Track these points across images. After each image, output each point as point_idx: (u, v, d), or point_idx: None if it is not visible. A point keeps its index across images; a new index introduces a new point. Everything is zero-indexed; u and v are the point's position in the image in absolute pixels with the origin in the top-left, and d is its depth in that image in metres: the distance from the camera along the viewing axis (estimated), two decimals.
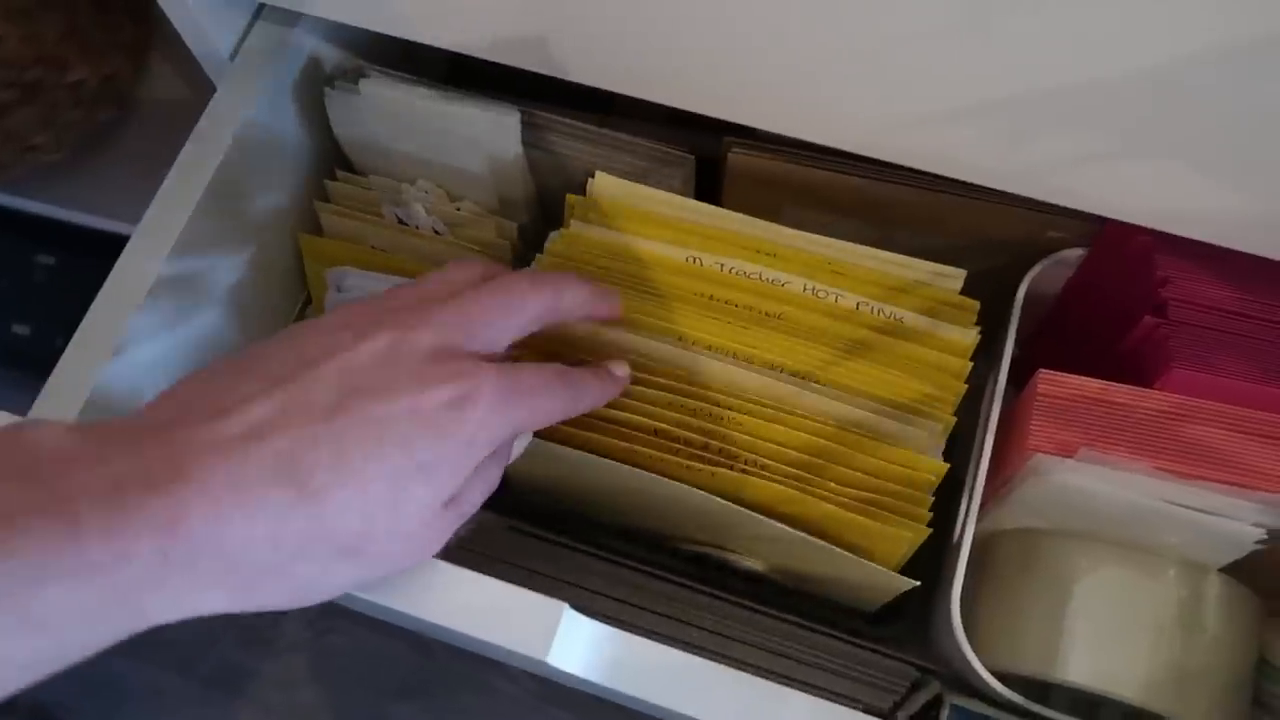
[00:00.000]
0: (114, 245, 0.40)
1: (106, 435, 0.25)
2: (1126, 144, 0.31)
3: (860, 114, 0.34)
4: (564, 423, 0.33)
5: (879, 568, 0.36)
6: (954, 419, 0.37)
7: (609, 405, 0.35)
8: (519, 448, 0.34)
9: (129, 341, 0.39)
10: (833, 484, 0.35)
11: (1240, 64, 0.27)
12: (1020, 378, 0.40)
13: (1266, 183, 0.31)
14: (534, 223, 0.48)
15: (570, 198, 0.41)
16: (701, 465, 0.35)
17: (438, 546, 0.30)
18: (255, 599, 0.26)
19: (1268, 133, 0.29)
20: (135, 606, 0.24)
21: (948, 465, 0.36)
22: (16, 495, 0.23)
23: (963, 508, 0.41)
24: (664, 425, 0.36)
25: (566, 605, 0.31)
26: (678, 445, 0.36)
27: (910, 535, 0.35)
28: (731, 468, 0.36)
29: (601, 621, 0.33)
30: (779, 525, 0.35)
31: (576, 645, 0.32)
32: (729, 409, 0.36)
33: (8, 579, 0.22)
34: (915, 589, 0.38)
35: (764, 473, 0.36)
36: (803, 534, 0.35)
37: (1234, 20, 0.26)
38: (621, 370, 0.36)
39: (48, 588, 0.23)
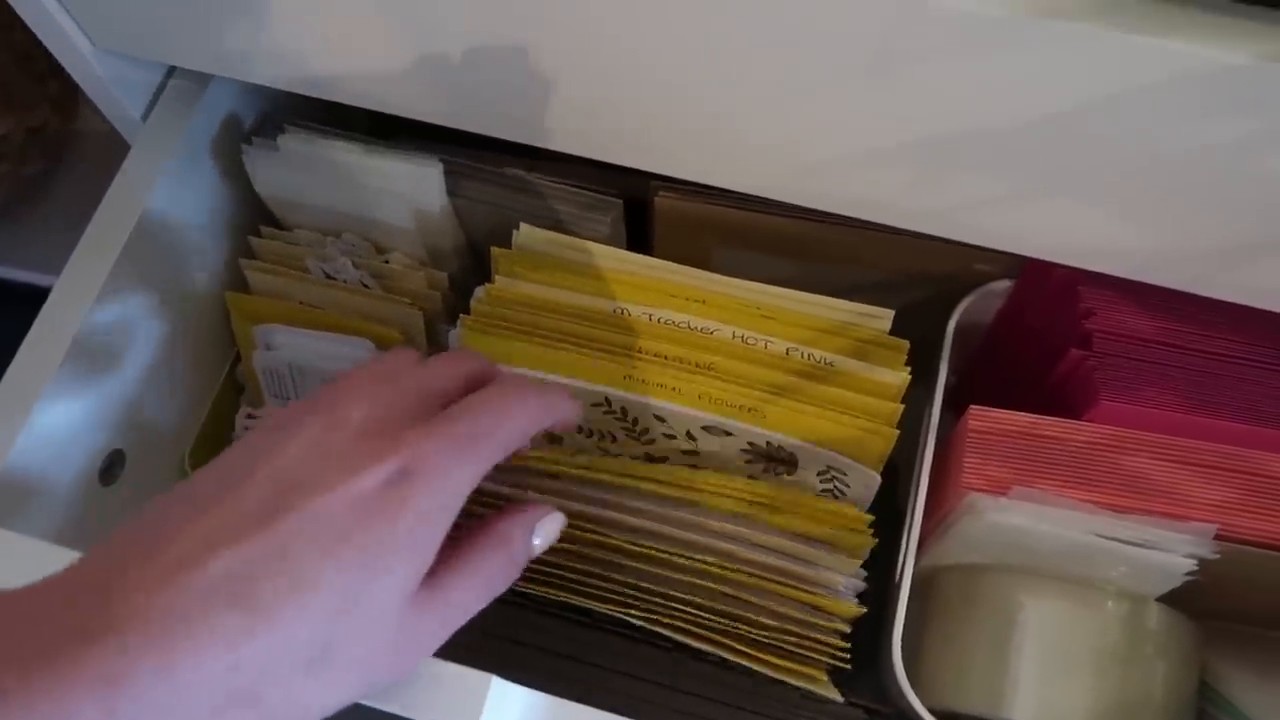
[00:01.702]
0: None
1: (34, 596, 0.24)
2: (1037, 186, 0.31)
3: (775, 161, 0.34)
4: None
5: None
6: (878, 476, 0.37)
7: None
8: (543, 542, 0.30)
9: (46, 410, 0.38)
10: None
11: (1138, 109, 0.27)
12: (959, 405, 0.40)
13: (1171, 221, 0.31)
14: (464, 271, 0.48)
15: (495, 251, 0.41)
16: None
17: (428, 646, 0.27)
18: None
19: (1167, 174, 0.29)
20: None
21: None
22: None
23: (903, 546, 0.40)
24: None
25: (493, 677, 0.30)
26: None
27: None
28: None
29: (538, 684, 0.32)
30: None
31: (507, 716, 0.31)
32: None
33: None
34: (864, 628, 0.38)
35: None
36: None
37: (1129, 70, 0.26)
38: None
39: None
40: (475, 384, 0.30)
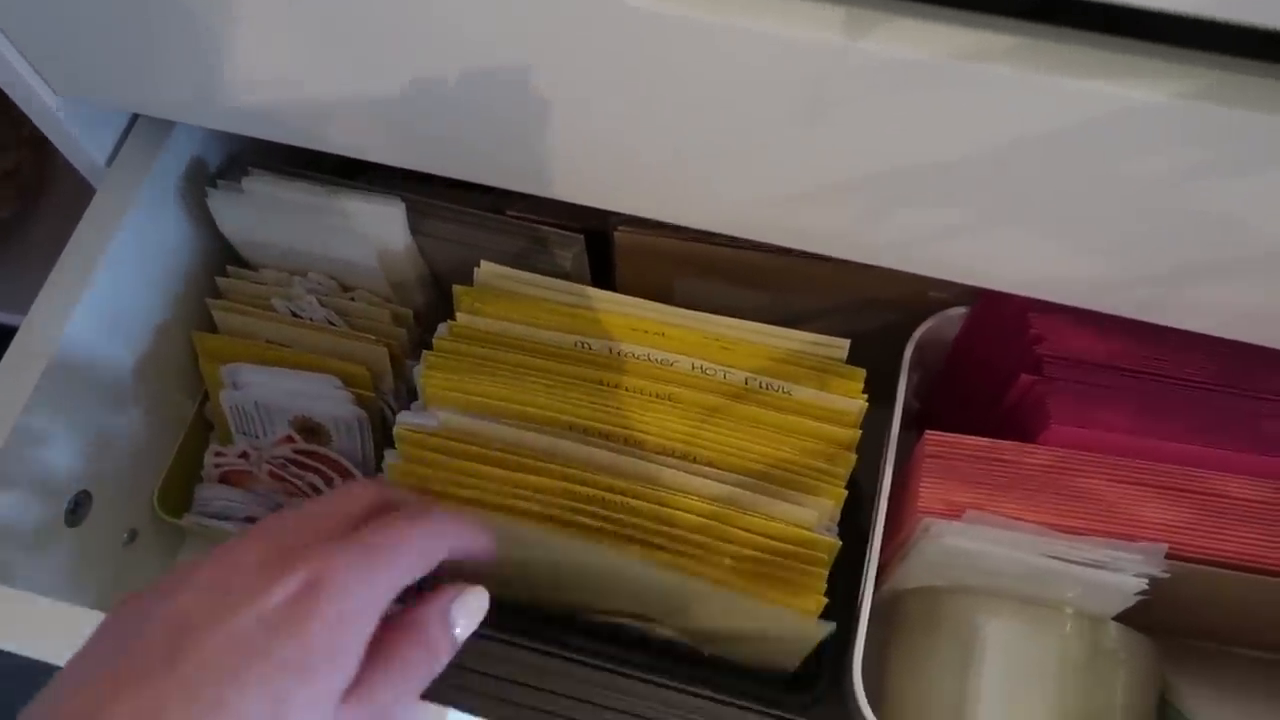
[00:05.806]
0: None
1: None
2: (979, 220, 0.32)
3: (723, 199, 0.35)
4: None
5: (793, 612, 0.36)
6: (845, 492, 0.37)
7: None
8: (465, 627, 0.29)
9: (12, 452, 0.38)
10: (729, 557, 0.36)
11: (1066, 146, 0.28)
12: (921, 428, 0.41)
13: (1112, 250, 0.32)
14: (429, 307, 0.48)
15: (457, 289, 0.41)
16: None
17: None
18: None
19: (1103, 206, 0.30)
20: None
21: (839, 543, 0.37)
22: None
23: (865, 569, 0.41)
24: (558, 512, 0.36)
25: (450, 709, 0.31)
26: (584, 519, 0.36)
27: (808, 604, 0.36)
28: (632, 538, 0.36)
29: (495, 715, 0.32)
30: (696, 582, 0.35)
31: None
32: (620, 493, 0.36)
33: None
34: (830, 652, 0.38)
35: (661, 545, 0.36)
36: (721, 590, 0.35)
37: (1051, 110, 0.27)
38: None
39: None
40: (382, 510, 0.29)
